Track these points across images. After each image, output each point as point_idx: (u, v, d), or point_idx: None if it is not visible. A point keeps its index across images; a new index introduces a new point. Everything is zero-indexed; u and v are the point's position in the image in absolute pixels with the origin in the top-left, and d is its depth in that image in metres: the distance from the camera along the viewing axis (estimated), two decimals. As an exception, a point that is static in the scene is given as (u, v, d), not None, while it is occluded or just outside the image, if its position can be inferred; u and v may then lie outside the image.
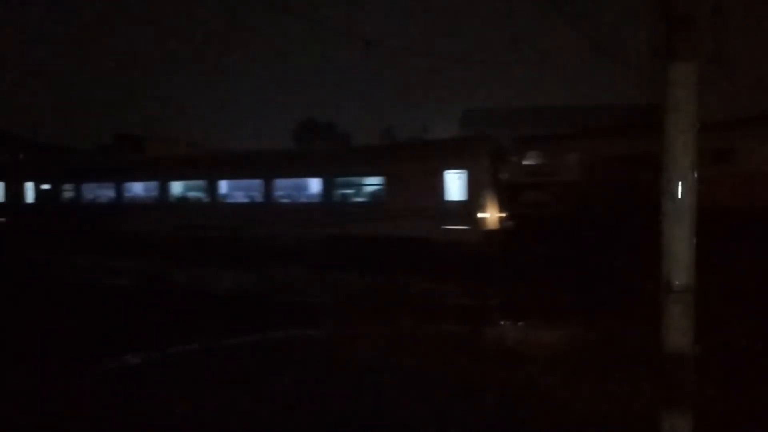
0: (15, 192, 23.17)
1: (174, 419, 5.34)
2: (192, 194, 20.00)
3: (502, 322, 10.49)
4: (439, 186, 15.66)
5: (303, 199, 18.11)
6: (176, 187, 20.08)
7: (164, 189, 19.77)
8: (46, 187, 22.85)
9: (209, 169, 19.38)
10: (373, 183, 17.14)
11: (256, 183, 18.41)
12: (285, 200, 18.24)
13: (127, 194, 21.05)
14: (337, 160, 18.26)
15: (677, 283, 3.47)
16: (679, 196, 3.50)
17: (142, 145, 31.62)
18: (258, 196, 18.39)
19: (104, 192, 21.81)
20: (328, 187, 17.29)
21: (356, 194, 17.53)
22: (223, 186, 19.07)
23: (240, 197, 19.11)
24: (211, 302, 11.66)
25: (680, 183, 3.49)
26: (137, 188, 21.28)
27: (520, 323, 10.25)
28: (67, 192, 22.37)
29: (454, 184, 15.68)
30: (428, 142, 21.73)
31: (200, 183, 19.58)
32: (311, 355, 7.37)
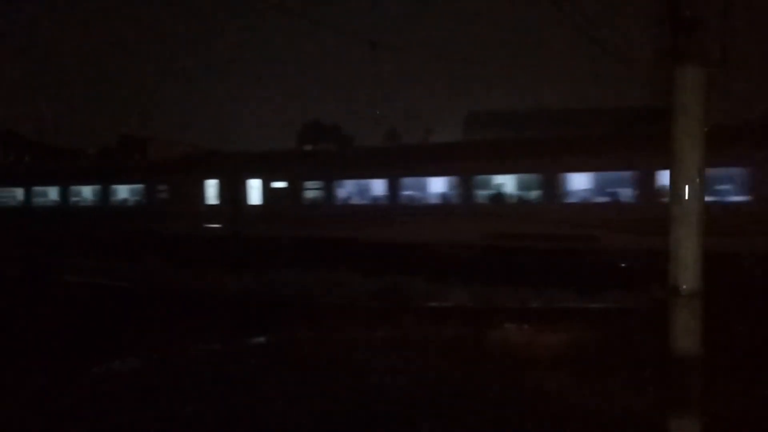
0: (234, 192, 19.06)
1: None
2: (508, 192, 15.74)
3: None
4: None
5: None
6: (485, 183, 15.74)
7: (466, 186, 15.36)
8: (279, 185, 18.55)
9: (545, 158, 14.53)
10: None
11: (627, 175, 13.76)
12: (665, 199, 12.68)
13: (404, 192, 16.66)
14: None
15: (684, 287, 3.46)
16: (686, 200, 3.48)
17: (146, 146, 31.68)
18: (627, 193, 13.75)
19: (370, 191, 17.73)
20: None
21: None
22: (565, 180, 14.42)
23: (589, 195, 14.67)
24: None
25: (687, 186, 3.47)
26: (421, 185, 17.07)
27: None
28: (312, 191, 17.88)
29: None
30: None
31: (526, 177, 15.33)
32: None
